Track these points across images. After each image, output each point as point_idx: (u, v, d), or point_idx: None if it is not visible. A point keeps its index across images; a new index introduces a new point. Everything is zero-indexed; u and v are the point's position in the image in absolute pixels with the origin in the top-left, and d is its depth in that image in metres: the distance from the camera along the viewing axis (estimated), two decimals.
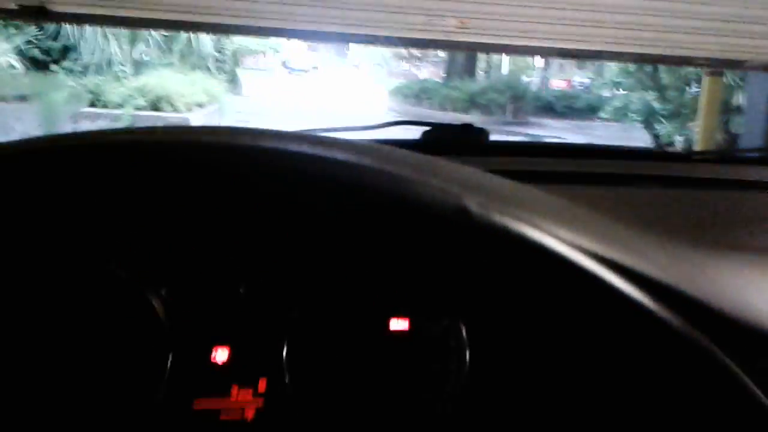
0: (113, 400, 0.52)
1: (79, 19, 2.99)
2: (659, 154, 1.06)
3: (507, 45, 2.90)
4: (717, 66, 4.18)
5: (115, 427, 0.52)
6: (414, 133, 0.98)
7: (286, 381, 0.54)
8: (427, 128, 0.95)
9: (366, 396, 0.55)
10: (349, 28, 2.73)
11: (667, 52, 2.90)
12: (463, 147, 0.94)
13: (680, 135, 7.27)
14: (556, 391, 0.52)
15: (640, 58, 3.06)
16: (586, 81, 30.89)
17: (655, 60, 3.17)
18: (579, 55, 3.26)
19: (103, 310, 0.52)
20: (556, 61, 36.70)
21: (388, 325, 0.54)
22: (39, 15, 2.55)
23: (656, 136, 7.99)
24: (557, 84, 30.39)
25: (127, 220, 0.50)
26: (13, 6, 2.47)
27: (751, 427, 0.45)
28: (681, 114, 7.20)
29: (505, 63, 27.30)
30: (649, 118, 7.81)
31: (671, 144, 7.50)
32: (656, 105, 7.56)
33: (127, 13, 2.68)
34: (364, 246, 0.49)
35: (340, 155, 0.41)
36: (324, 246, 0.52)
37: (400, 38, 2.93)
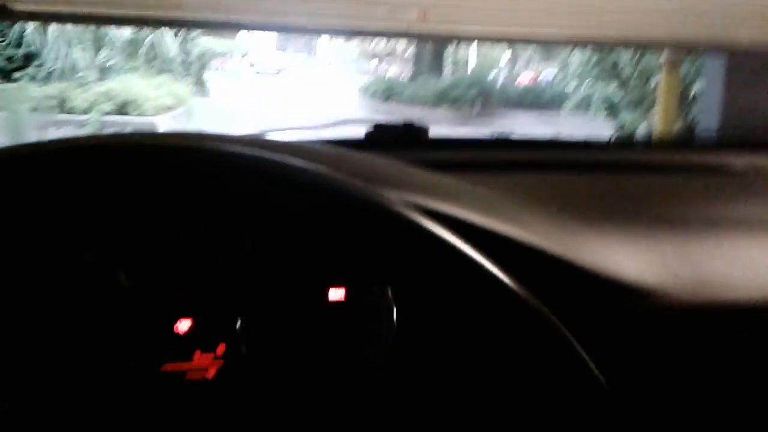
0: (89, 368, 0.61)
1: (41, 17, 3.00)
2: (591, 143, 1.14)
3: (468, 35, 2.97)
4: (676, 47, 4.30)
5: (92, 390, 0.61)
6: (360, 131, 1.04)
7: (241, 345, 0.63)
8: (370, 127, 1.02)
9: (311, 355, 0.64)
10: (311, 19, 2.78)
11: (624, 34, 2.98)
12: (404, 143, 1.01)
13: (642, 123, 7.46)
14: (455, 345, 0.62)
15: (601, 42, 3.16)
16: (551, 76, 31.28)
17: (615, 43, 3.27)
18: (538, 41, 3.35)
19: (79, 291, 0.61)
20: (522, 57, 37.07)
21: (327, 295, 0.65)
22: (1, 15, 2.56)
23: (620, 126, 8.18)
24: (523, 79, 30.75)
25: (99, 211, 0.60)
26: None
27: (574, 384, 0.55)
28: (642, 104, 7.39)
29: (472, 60, 27.51)
30: (611, 109, 7.99)
31: (633, 133, 7.69)
32: (618, 96, 7.75)
33: (91, 10, 2.71)
34: (296, 230, 0.60)
35: (270, 155, 0.52)
36: (265, 230, 0.62)
37: (361, 30, 2.98)
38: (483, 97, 17.77)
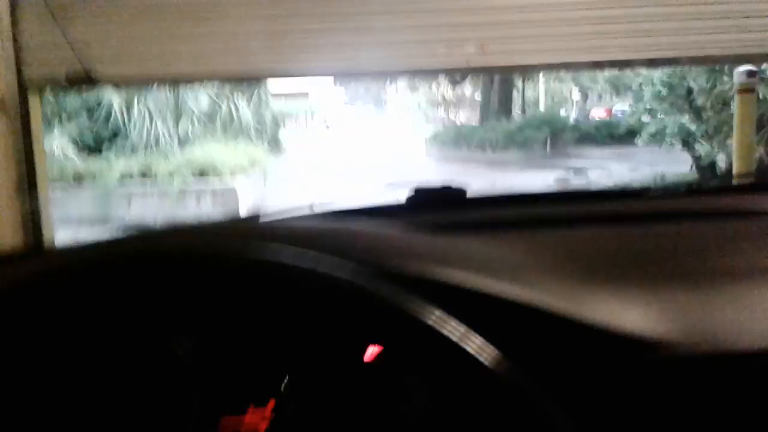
0: (157, 420, 0.70)
1: (120, 82, 3.28)
2: (627, 192, 1.19)
3: (527, 65, 3.01)
4: (737, 62, 4.19)
5: None
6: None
7: (289, 401, 0.71)
8: (411, 192, 1.09)
9: (351, 409, 0.71)
10: (376, 63, 2.91)
11: (684, 53, 2.93)
12: (443, 205, 1.08)
13: (720, 153, 7.21)
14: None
15: (660, 63, 3.14)
16: (625, 108, 30.58)
17: (674, 62, 3.23)
18: (599, 67, 3.36)
19: (148, 357, 0.72)
20: (594, 91, 36.50)
21: (364, 355, 0.71)
22: (86, 83, 2.81)
23: (697, 157, 7.92)
24: (597, 114, 30.14)
25: (173, 305, 0.70)
26: (62, 78, 2.74)
27: None
28: (718, 133, 7.15)
29: (542, 100, 27.37)
30: (687, 140, 7.76)
31: (712, 164, 7.42)
32: (692, 126, 7.52)
33: (161, 73, 2.93)
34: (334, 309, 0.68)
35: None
36: (305, 307, 0.70)
37: (423, 69, 3.08)
38: (555, 135, 17.57)
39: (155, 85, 7.15)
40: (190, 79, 3.76)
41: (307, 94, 37.04)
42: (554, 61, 2.92)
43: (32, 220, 2.72)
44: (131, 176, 6.99)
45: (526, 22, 2.69)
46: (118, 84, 3.86)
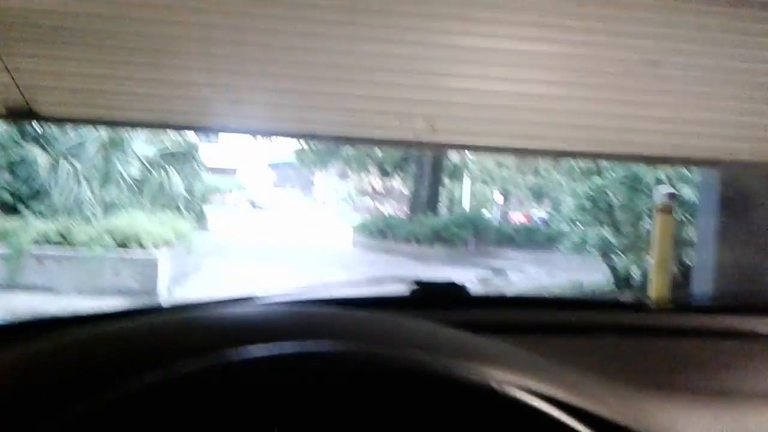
0: None
1: (63, 121, 3.14)
2: (621, 305, 1.22)
3: (474, 145, 3.08)
4: (692, 164, 4.42)
5: None
6: (401, 288, 1.07)
7: None
8: (415, 285, 1.05)
9: None
10: (327, 128, 2.90)
11: (629, 150, 3.08)
12: (448, 302, 1.05)
13: (636, 267, 7.55)
14: None
15: (598, 157, 3.29)
16: (544, 215, 31.96)
17: (612, 158, 3.38)
18: (541, 155, 3.48)
19: None
20: (514, 196, 38.06)
21: None
22: (26, 116, 2.67)
23: (613, 268, 8.26)
24: (517, 218, 31.34)
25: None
26: (1, 109, 2.58)
27: None
28: (635, 247, 7.53)
29: (466, 199, 28.25)
30: (606, 251, 8.11)
31: (627, 276, 7.75)
32: (612, 239, 7.90)
33: (107, 115, 2.82)
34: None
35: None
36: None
37: (373, 139, 3.10)
38: (478, 235, 18.10)
39: (97, 127, 6.96)
40: (134, 124, 3.62)
41: (236, 170, 37.02)
42: (501, 146, 3.02)
43: None
44: (48, 239, 6.66)
45: (474, 106, 2.75)
46: (60, 121, 3.71)
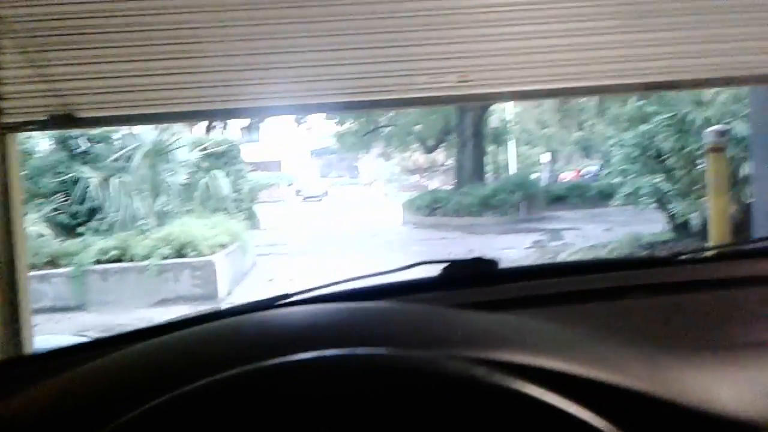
0: None
1: (102, 122, 3.21)
2: (660, 260, 1.17)
3: (509, 92, 3.03)
4: (725, 84, 4.27)
5: None
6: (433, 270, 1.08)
7: None
8: (444, 264, 1.06)
9: None
10: (359, 97, 2.90)
11: (672, 77, 2.98)
12: (476, 279, 1.05)
13: (694, 212, 7.33)
14: None
15: (644, 87, 3.17)
16: (594, 169, 31.37)
17: (659, 87, 3.26)
18: (579, 93, 3.39)
19: None
20: (563, 154, 37.38)
21: None
22: (67, 122, 2.73)
23: (671, 216, 8.04)
24: (566, 176, 30.86)
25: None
26: (42, 117, 2.66)
27: None
28: (691, 192, 7.31)
29: (512, 163, 27.89)
30: (661, 200, 7.90)
31: (686, 222, 7.53)
32: (665, 186, 7.68)
33: (140, 111, 2.88)
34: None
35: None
36: None
37: (405, 100, 3.08)
38: (528, 198, 17.83)
39: (136, 125, 7.10)
40: (176, 117, 3.67)
41: (280, 162, 37.45)
42: (533, 92, 2.96)
43: (10, 307, 2.60)
44: (108, 255, 6.88)
45: (504, 52, 2.69)
46: (100, 123, 3.79)
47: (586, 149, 33.56)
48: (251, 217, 17.73)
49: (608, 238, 12.32)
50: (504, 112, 25.32)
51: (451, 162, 28.65)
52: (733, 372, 0.71)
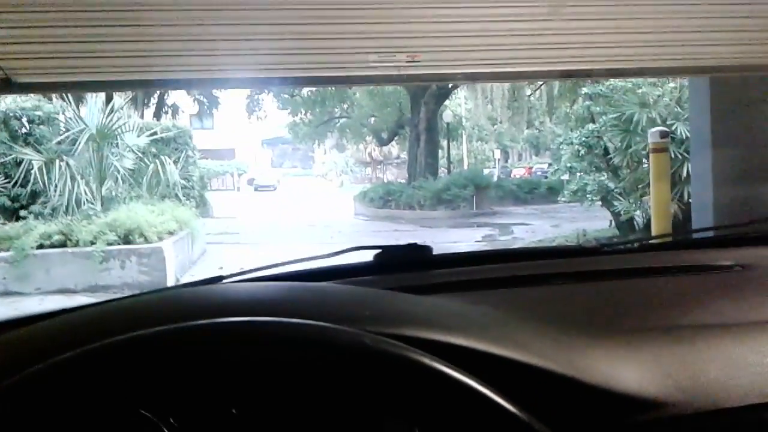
0: None
1: (41, 88, 3.08)
2: (587, 249, 1.23)
3: (457, 73, 3.04)
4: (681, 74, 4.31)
5: None
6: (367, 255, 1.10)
7: None
8: (378, 251, 1.08)
9: None
10: (307, 72, 2.86)
11: (607, 66, 3.03)
12: (410, 264, 1.08)
13: (637, 209, 7.56)
14: None
15: (586, 75, 3.22)
16: (544, 167, 31.96)
17: (601, 74, 3.31)
18: (523, 77, 3.43)
19: None
20: (514, 151, 37.92)
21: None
22: (5, 88, 2.62)
23: (615, 213, 8.27)
24: (518, 172, 31.35)
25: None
26: None
27: None
28: (635, 189, 7.53)
29: (464, 159, 28.19)
30: (606, 197, 8.11)
31: (630, 219, 7.76)
32: (611, 184, 7.89)
33: (83, 78, 2.78)
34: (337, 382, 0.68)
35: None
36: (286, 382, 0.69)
37: (354, 78, 3.05)
38: (480, 193, 18.05)
39: (77, 91, 6.88)
40: (116, 86, 3.53)
41: (233, 150, 37.00)
42: (482, 75, 2.98)
43: None
44: (51, 240, 6.69)
45: (454, 33, 2.67)
46: (40, 89, 3.63)
47: (537, 147, 34.20)
48: (202, 205, 17.48)
49: (556, 233, 12.62)
50: (458, 108, 25.56)
51: (404, 155, 28.79)
52: (641, 354, 0.75)
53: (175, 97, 23.91)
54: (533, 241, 11.37)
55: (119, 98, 8.41)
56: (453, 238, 12.11)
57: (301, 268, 1.05)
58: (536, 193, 21.40)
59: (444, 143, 21.84)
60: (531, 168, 31.94)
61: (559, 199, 10.42)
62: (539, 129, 15.43)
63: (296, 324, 0.62)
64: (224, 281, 1.01)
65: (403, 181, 22.45)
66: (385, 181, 26.72)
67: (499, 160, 32.70)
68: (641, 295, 0.97)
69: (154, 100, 22.61)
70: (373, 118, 25.50)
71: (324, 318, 0.64)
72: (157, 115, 22.08)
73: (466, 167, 25.94)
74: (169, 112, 23.29)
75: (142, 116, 19.53)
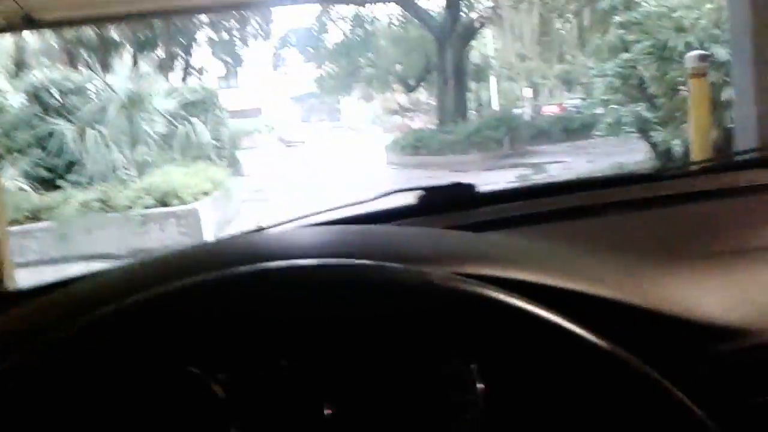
0: None
1: (63, 24, 3.05)
2: (643, 176, 1.18)
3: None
4: None
5: None
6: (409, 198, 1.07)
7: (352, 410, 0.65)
8: (421, 192, 1.04)
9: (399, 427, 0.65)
10: None
11: None
12: (454, 204, 1.04)
13: (676, 139, 7.34)
14: (549, 414, 0.63)
15: None
16: (578, 102, 31.22)
17: None
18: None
19: (179, 399, 0.65)
20: (545, 88, 37.12)
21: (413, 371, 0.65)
22: (26, 25, 2.60)
23: (653, 144, 8.06)
24: (549, 110, 30.64)
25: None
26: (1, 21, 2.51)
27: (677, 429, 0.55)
28: (673, 119, 7.30)
29: (495, 99, 27.65)
30: (643, 128, 7.89)
31: (669, 150, 7.55)
32: (647, 114, 7.65)
33: (101, 11, 2.75)
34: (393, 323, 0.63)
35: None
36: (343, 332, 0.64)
37: None
38: (512, 133, 17.73)
39: (97, 25, 6.80)
40: (128, 19, 3.48)
41: (260, 109, 36.94)
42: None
43: None
44: (90, 207, 6.81)
45: None
46: (60, 25, 3.58)
47: (569, 82, 33.35)
48: (234, 164, 17.58)
49: (592, 168, 12.38)
50: (485, 47, 24.97)
51: (432, 101, 28.37)
52: (717, 280, 0.71)
53: (199, 59, 23.82)
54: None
55: (145, 64, 8.39)
56: (486, 180, 11.98)
57: (342, 214, 1.02)
58: (570, 129, 20.98)
59: (472, 86, 21.44)
60: (563, 104, 31.23)
61: (593, 133, 10.17)
62: (571, 63, 14.87)
63: (385, 267, 0.58)
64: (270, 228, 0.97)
65: (433, 127, 22.19)
66: (414, 128, 26.37)
67: (530, 99, 32.03)
68: (703, 219, 0.93)
69: (179, 63, 22.59)
70: (399, 65, 25.11)
71: (388, 259, 0.59)
72: (184, 78, 22.09)
73: (496, 108, 25.45)
74: (195, 74, 23.27)
75: (167, 80, 19.59)
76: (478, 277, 0.60)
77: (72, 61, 15.65)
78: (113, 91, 7.82)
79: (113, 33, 18.34)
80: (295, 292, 0.58)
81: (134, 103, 7.93)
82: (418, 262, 0.62)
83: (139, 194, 6.87)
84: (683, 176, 1.21)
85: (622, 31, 7.88)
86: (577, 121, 21.80)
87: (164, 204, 6.92)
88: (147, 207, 6.75)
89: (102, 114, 7.93)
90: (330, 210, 1.03)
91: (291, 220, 1.01)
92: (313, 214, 1.02)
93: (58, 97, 8.41)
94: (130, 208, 6.74)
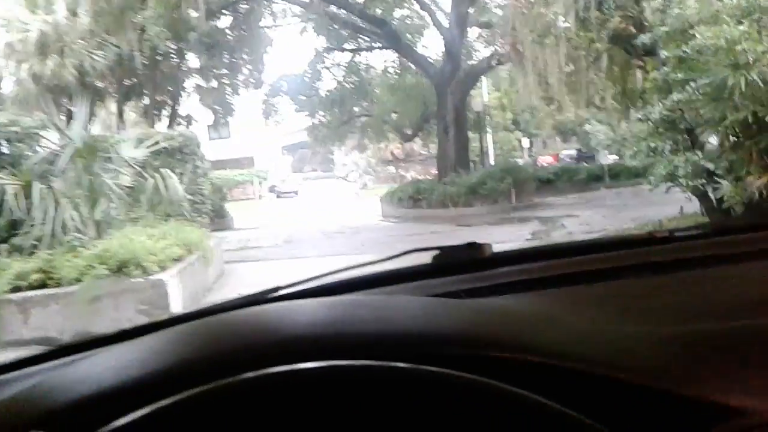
0: None
1: None
2: (658, 238, 1.06)
3: None
4: None
5: None
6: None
7: None
8: (435, 252, 1.04)
9: None
10: None
11: None
12: (470, 264, 1.03)
13: (738, 195, 6.16)
14: None
15: None
16: (573, 152, 30.95)
17: None
18: None
19: None
20: (539, 138, 36.65)
21: None
22: None
23: (705, 197, 6.89)
24: (544, 160, 30.26)
25: None
26: None
27: None
28: (737, 171, 6.13)
29: (491, 149, 26.78)
30: (702, 180, 6.67)
31: (727, 204, 6.36)
32: (710, 165, 6.46)
33: None
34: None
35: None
36: None
37: None
38: (516, 185, 16.67)
39: None
40: None
41: (253, 158, 36.13)
42: None
43: None
44: (29, 281, 5.51)
45: None
46: None
47: (563, 133, 32.86)
48: (220, 218, 16.35)
49: (608, 225, 11.21)
50: (482, 97, 24.19)
51: (427, 151, 27.51)
52: (732, 354, 0.70)
53: (188, 107, 22.88)
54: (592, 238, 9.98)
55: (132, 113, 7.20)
56: (498, 238, 10.70)
57: (357, 273, 1.01)
58: (574, 180, 20.25)
59: (473, 135, 20.50)
60: (557, 155, 31.14)
61: (600, 184, 9.01)
62: (600, 108, 13.82)
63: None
64: (280, 292, 0.98)
65: (429, 177, 21.18)
66: (409, 179, 25.35)
67: (527, 148, 31.49)
68: (725, 284, 0.89)
69: (166, 112, 21.64)
70: (395, 114, 24.24)
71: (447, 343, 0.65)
72: (171, 126, 21.05)
73: (492, 158, 24.53)
74: (181, 122, 22.20)
75: (153, 126, 18.52)
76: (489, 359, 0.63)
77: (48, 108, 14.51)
78: (68, 136, 6.58)
79: (96, 81, 17.42)
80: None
81: (93, 150, 6.69)
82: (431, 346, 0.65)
83: (92, 263, 5.59)
84: (698, 238, 1.18)
85: (666, 69, 6.78)
86: (583, 172, 21.06)
87: (122, 274, 5.64)
88: (99, 278, 5.46)
89: (52, 163, 6.67)
90: (345, 269, 1.03)
91: (306, 281, 1.01)
92: (328, 274, 1.03)
93: (1, 145, 7.20)
94: (79, 281, 5.46)
